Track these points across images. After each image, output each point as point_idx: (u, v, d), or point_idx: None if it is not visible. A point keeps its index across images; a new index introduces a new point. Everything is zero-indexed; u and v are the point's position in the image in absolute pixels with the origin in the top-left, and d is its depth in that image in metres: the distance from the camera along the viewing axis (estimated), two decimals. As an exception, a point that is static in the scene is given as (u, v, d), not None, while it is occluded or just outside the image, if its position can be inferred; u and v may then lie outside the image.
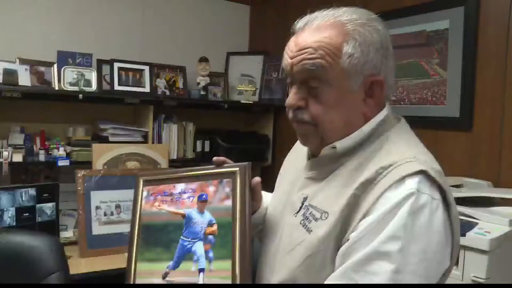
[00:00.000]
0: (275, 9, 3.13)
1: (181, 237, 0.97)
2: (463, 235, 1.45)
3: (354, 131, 0.86)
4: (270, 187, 1.14)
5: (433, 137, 2.12)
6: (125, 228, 2.23)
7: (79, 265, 2.03)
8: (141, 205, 1.04)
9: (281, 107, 2.94)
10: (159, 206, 1.02)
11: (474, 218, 1.55)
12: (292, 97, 0.87)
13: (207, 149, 2.83)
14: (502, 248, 1.46)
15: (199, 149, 2.82)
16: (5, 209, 2.11)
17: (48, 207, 2.27)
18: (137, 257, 1.00)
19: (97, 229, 2.23)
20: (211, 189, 0.99)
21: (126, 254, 2.11)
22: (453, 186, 1.78)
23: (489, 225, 1.49)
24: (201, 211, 0.98)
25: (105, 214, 2.26)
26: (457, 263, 1.48)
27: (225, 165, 1.02)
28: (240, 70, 3.17)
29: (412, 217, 0.74)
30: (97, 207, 2.25)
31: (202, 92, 2.86)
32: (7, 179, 2.29)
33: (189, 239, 0.96)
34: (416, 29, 2.21)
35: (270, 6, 3.20)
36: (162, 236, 0.99)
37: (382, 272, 0.73)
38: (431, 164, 0.81)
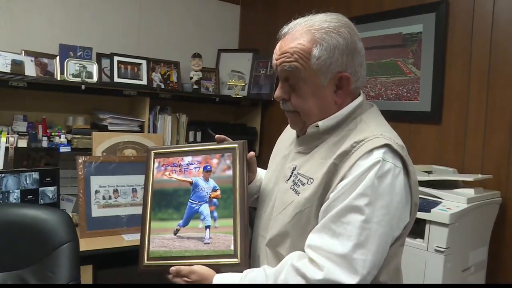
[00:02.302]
0: (264, 9, 3.26)
1: (189, 200, 1.11)
2: (428, 211, 1.67)
3: (329, 116, 1.02)
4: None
5: (407, 129, 2.32)
6: (122, 211, 2.37)
7: (80, 245, 2.14)
8: (153, 174, 1.18)
9: (268, 101, 3.13)
10: (169, 175, 1.15)
11: (439, 198, 1.76)
12: (278, 91, 1.06)
13: (199, 139, 2.96)
14: (460, 222, 1.67)
15: (191, 139, 2.94)
16: (11, 191, 2.22)
17: (50, 191, 2.37)
18: (151, 217, 1.14)
19: (96, 212, 2.32)
20: (214, 161, 1.13)
21: (122, 235, 2.27)
22: (424, 171, 1.99)
23: (450, 203, 1.71)
24: (206, 179, 1.12)
25: (103, 198, 2.36)
26: (423, 236, 1.69)
27: (226, 142, 1.16)
28: (231, 66, 3.30)
29: (378, 179, 0.90)
30: (96, 191, 2.35)
31: (194, 86, 2.99)
32: (11, 164, 2.39)
33: (196, 202, 1.11)
34: (393, 32, 2.39)
35: (259, 7, 3.33)
36: (172, 200, 1.13)
37: (354, 221, 0.89)
38: (395, 140, 0.96)
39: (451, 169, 2.04)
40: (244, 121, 3.32)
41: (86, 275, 2.03)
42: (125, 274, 2.02)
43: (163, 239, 1.11)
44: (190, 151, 1.17)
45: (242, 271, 1.01)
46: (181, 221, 1.11)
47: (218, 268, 1.04)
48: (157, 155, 1.20)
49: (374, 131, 0.97)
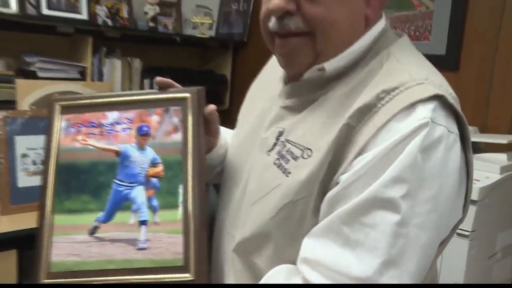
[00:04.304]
0: None
1: (115, 180, 0.83)
2: (450, 183, 1.42)
3: (358, 38, 0.74)
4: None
5: (414, 78, 2.07)
6: (58, 179, 2.08)
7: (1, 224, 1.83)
8: (58, 139, 0.88)
9: (241, 43, 2.97)
10: (83, 140, 0.86)
11: (461, 165, 1.51)
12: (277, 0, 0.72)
13: (156, 89, 2.70)
14: (491, 197, 1.44)
15: (147, 89, 2.70)
16: None
17: (-39, 155, 2.03)
18: (54, 207, 0.84)
19: (24, 181, 2.01)
20: (154, 119, 0.86)
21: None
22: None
23: (478, 173, 1.42)
24: (141, 148, 0.85)
25: (34, 163, 2.05)
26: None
27: (172, 89, 0.89)
28: (195, 0, 3.05)
29: (423, 154, 0.63)
30: (24, 155, 2.04)
31: (150, 24, 2.72)
32: None
33: (126, 184, 0.83)
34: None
35: None
36: (88, 180, 0.84)
37: (382, 224, 0.62)
38: (447, 89, 0.70)
39: (471, 128, 1.76)
40: (211, 67, 3.14)
41: (9, 263, 1.74)
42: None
43: (72, 242, 0.81)
44: (117, 104, 0.88)
45: None
46: (101, 214, 0.82)
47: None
48: (66, 110, 0.89)
49: (415, 74, 0.69)
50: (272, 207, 0.73)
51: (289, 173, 0.73)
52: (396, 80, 0.67)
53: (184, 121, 0.84)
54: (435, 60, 1.90)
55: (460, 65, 1.96)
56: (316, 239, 0.67)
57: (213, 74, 3.06)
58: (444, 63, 1.98)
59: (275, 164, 0.76)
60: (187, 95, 0.85)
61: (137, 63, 2.67)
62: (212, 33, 2.97)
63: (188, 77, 2.78)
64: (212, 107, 0.87)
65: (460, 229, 1.36)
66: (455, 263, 1.42)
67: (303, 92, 0.78)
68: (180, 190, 0.80)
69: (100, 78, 2.50)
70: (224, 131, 1.02)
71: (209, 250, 0.87)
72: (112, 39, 2.54)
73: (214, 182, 1.02)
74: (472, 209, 1.38)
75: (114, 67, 2.56)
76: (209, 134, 0.90)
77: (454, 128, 0.67)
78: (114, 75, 2.56)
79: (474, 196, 1.38)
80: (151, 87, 2.70)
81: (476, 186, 1.39)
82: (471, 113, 1.92)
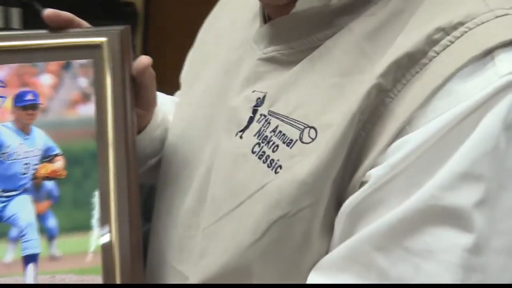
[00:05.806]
0: None
1: None
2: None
3: None
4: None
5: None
6: None
7: None
8: None
9: None
10: None
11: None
12: None
13: (16, 24, 2.82)
14: None
15: (1, 23, 2.79)
16: None
17: None
18: None
19: None
20: (45, 80, 0.88)
21: None
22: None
23: None
24: (23, 129, 0.86)
25: None
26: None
27: (75, 29, 0.91)
28: None
29: (509, 134, 0.64)
30: None
31: None
32: None
33: None
34: None
35: None
36: None
37: (444, 249, 0.63)
38: None
39: None
40: (113, -8, 3.32)
41: None
42: None
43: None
44: None
45: None
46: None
47: None
48: None
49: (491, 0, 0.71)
50: (254, 225, 0.74)
51: (279, 167, 0.73)
52: (459, 11, 0.68)
53: (98, 84, 0.85)
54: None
55: None
56: (331, 275, 0.68)
57: (115, 3, 3.15)
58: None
59: (254, 152, 0.76)
60: (103, 39, 0.86)
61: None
62: None
63: (72, 7, 2.81)
64: (144, 60, 0.87)
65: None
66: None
67: (296, 33, 0.78)
68: (96, 199, 0.82)
69: None
70: (163, 101, 1.02)
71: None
72: None
73: (147, 183, 1.11)
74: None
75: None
76: (138, 105, 0.90)
77: None
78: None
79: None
80: (7, 19, 2.79)
81: None
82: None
